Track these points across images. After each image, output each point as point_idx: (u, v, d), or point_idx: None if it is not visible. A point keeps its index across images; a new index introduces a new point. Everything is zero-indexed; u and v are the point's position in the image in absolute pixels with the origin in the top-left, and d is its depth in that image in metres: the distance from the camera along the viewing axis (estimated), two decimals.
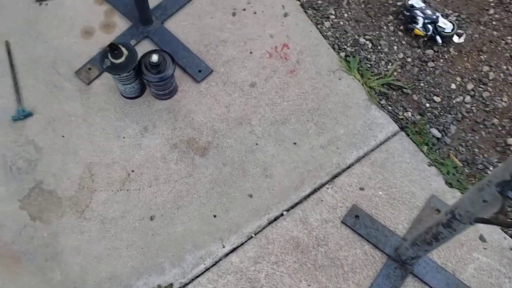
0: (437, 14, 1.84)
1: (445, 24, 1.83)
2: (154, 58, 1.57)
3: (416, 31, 1.85)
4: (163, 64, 1.61)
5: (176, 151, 1.68)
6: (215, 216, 1.59)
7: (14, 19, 1.89)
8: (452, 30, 1.83)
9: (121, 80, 1.62)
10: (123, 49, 1.56)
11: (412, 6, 1.86)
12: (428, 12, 1.84)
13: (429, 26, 1.83)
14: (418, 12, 1.84)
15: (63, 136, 1.70)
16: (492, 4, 1.95)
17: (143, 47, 1.82)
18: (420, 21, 1.83)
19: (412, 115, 1.76)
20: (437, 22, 1.82)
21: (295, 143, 1.69)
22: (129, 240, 1.56)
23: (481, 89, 1.80)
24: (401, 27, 1.91)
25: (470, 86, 1.80)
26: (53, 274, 1.51)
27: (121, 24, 1.89)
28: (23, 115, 1.71)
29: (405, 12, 1.88)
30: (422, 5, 1.86)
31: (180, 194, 1.62)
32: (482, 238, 1.55)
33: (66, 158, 1.67)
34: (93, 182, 1.63)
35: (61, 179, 1.64)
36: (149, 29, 1.85)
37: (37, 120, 1.72)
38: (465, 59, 1.86)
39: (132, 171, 1.65)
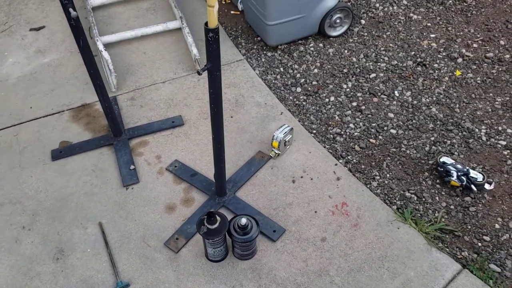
0: (467, 167, 2.18)
1: (476, 175, 2.15)
2: (243, 221, 1.83)
3: (453, 183, 2.16)
4: (249, 226, 1.85)
5: None
6: None
7: (105, 203, 2.17)
8: (483, 179, 2.15)
9: (213, 244, 1.84)
10: (217, 216, 1.82)
11: (444, 162, 2.21)
12: (459, 166, 2.18)
13: (463, 177, 2.15)
14: (450, 167, 2.18)
15: None
16: (508, 156, 2.32)
17: None
18: (454, 174, 2.16)
19: (469, 254, 1.97)
20: (469, 174, 2.15)
21: None
22: None
23: None
24: (437, 181, 2.24)
25: None
26: None
27: (199, 198, 2.18)
28: (122, 286, 1.87)
29: (438, 168, 2.23)
30: (452, 161, 2.21)
31: None
32: None
33: None
34: None
35: None
36: (224, 199, 2.14)
37: None
38: (500, 202, 2.14)
39: None
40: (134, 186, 2.24)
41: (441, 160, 2.23)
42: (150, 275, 1.92)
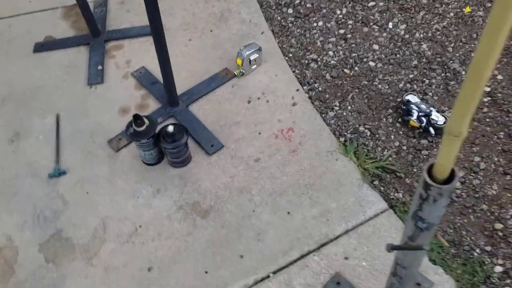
0: (431, 108, 2.02)
1: (437, 117, 1.99)
2: (170, 128, 1.85)
3: (411, 123, 2.02)
4: (178, 134, 1.87)
5: (181, 212, 1.86)
6: (206, 272, 1.71)
7: (68, 98, 2.27)
8: (444, 123, 1.98)
9: (142, 146, 1.89)
10: (145, 119, 1.85)
11: (408, 100, 2.06)
12: (423, 106, 2.02)
13: (423, 118, 2.00)
14: (413, 106, 2.03)
15: (87, 193, 1.95)
16: (486, 104, 2.11)
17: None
18: (415, 114, 2.01)
19: (403, 196, 1.87)
20: (431, 115, 1.99)
21: (289, 213, 1.83)
22: (126, 287, 1.70)
23: (471, 177, 1.89)
24: (399, 120, 2.10)
25: (461, 174, 1.90)
26: None
27: (153, 105, 2.21)
28: (58, 173, 1.99)
29: (402, 106, 2.08)
30: (418, 100, 2.05)
31: (179, 250, 1.77)
32: None
33: (87, 211, 1.89)
34: (104, 234, 1.83)
35: (78, 229, 1.85)
36: (175, 110, 2.16)
37: (69, 179, 1.99)
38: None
39: (140, 226, 1.84)
40: (98, 86, 2.31)
41: (406, 98, 2.08)
42: (88, 167, 2.02)
